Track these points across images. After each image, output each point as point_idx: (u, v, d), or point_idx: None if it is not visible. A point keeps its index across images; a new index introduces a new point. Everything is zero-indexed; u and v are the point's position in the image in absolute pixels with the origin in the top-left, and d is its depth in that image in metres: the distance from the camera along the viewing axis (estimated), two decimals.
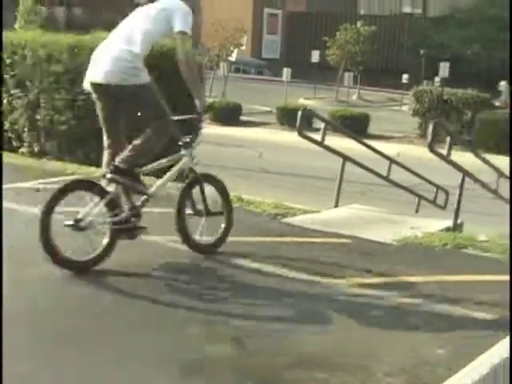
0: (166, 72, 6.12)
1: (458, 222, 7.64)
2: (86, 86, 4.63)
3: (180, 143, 4.75)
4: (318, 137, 8.27)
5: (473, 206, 12.21)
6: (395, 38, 45.77)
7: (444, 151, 7.06)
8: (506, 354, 3.70)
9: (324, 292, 4.78)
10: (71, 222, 4.31)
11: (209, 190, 4.87)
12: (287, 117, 21.06)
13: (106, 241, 4.49)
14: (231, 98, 24.21)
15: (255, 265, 5.20)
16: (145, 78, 4.45)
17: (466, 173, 7.33)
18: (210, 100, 21.17)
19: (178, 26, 4.48)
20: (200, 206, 4.89)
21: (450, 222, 7.55)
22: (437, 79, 28.85)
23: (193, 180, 4.84)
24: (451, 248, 6.25)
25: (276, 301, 4.54)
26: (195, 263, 5.02)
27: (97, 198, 4.38)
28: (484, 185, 7.84)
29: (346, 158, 8.05)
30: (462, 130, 22.27)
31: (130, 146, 4.51)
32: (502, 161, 19.29)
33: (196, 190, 4.84)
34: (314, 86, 30.61)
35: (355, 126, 21.29)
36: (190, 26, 4.40)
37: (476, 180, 7.56)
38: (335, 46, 33.00)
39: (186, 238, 4.95)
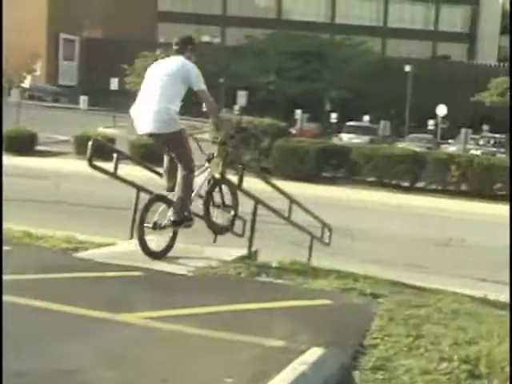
0: None
1: (253, 249, 7.89)
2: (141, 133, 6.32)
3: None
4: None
5: (274, 232, 12.89)
6: (197, 66, 47.04)
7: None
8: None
9: (115, 328, 4.66)
10: (151, 225, 6.29)
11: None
12: (85, 146, 20.55)
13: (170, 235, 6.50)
14: (26, 127, 23.22)
15: (42, 304, 4.95)
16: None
17: (257, 200, 7.62)
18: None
19: (196, 86, 6.24)
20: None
21: (245, 250, 7.76)
22: (236, 107, 29.99)
23: (214, 183, 6.78)
24: (245, 276, 6.43)
25: (64, 340, 4.34)
26: None
27: (166, 207, 6.34)
28: (276, 211, 8.21)
29: (139, 189, 7.99)
30: (259, 157, 23.29)
31: (176, 199, 6.38)
32: (297, 187, 20.70)
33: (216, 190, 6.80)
34: (113, 114, 30.26)
35: (157, 154, 21.42)
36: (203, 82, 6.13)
37: (268, 207, 7.89)
38: (134, 73, 32.98)
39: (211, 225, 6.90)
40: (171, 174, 6.46)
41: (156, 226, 6.33)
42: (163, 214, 6.47)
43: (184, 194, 6.25)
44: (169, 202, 6.41)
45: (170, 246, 6.57)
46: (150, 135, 6.24)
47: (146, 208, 6.20)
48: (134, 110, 6.24)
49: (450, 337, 5.11)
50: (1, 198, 6.58)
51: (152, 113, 6.05)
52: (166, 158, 6.59)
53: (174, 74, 6.11)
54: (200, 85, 6.16)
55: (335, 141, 36.44)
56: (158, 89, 6.05)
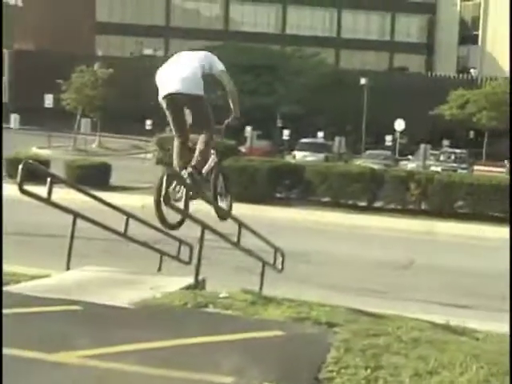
0: None
1: (200, 278, 7.87)
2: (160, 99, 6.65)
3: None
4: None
5: (223, 259, 12.88)
6: (136, 81, 46.62)
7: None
8: None
9: (48, 369, 4.58)
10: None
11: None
12: (17, 169, 20.23)
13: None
14: None
15: None
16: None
17: (204, 225, 7.61)
18: None
19: (220, 67, 7.01)
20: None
21: (192, 279, 7.74)
22: None
23: (218, 171, 7.34)
24: (191, 307, 6.42)
25: None
26: None
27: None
28: (223, 236, 8.21)
29: (76, 215, 7.90)
30: (207, 177, 23.24)
31: (197, 153, 6.83)
32: (248, 209, 20.71)
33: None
34: (48, 134, 29.89)
35: (96, 176, 21.20)
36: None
37: (215, 232, 7.89)
38: (71, 89, 32.64)
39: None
40: (183, 153, 6.91)
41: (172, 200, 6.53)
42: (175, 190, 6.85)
43: (205, 156, 6.87)
44: (182, 180, 6.80)
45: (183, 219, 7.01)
46: (177, 95, 6.54)
47: (169, 184, 6.39)
48: (159, 76, 6.71)
49: (411, 367, 5.17)
50: (1, 191, 6.81)
51: (181, 76, 6.56)
52: (176, 141, 6.93)
53: (199, 56, 6.87)
54: (222, 66, 6.98)
55: (288, 159, 36.74)
56: (185, 61, 6.72)
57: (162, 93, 6.62)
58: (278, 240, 10.85)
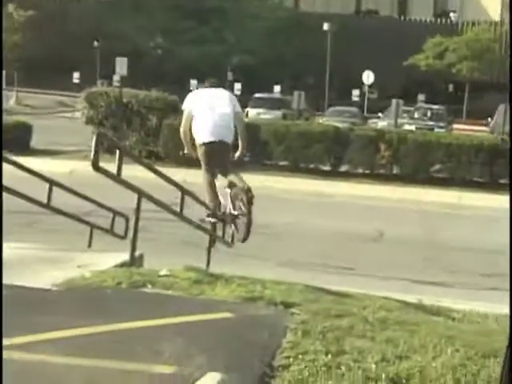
0: None
1: (137, 254, 7.86)
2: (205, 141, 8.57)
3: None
4: None
5: (164, 231, 12.87)
6: (62, 25, 45.48)
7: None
8: None
9: None
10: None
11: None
12: None
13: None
14: None
15: None
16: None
17: (141, 193, 7.57)
18: None
19: (240, 110, 9.22)
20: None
21: (127, 255, 7.73)
22: (116, 78, 29.54)
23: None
24: (126, 287, 6.43)
25: None
26: None
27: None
28: (164, 205, 8.18)
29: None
30: (147, 139, 23.14)
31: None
32: (194, 176, 20.58)
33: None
34: None
35: (14, 138, 20.84)
36: None
37: (154, 200, 7.85)
38: None
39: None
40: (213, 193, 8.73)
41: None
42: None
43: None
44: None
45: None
46: (218, 143, 8.59)
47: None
48: (200, 113, 8.66)
49: (377, 351, 5.28)
50: (1, 195, 7.15)
51: (222, 125, 8.67)
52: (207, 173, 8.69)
53: (229, 99, 8.91)
54: (240, 108, 9.17)
55: None
56: (222, 107, 8.74)
57: (203, 138, 8.59)
58: None
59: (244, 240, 8.44)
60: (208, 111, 8.65)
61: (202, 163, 8.66)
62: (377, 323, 6.14)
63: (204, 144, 8.55)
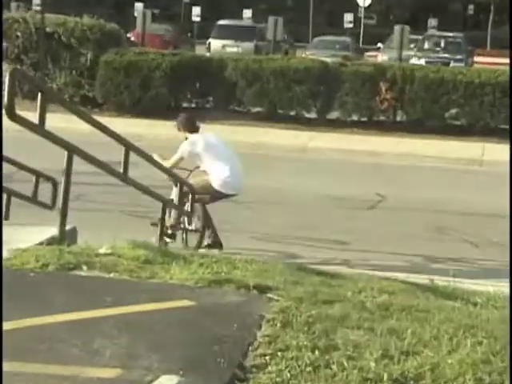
0: None
1: (69, 227, 7.83)
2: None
3: None
4: None
5: (104, 199, 12.84)
6: None
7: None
8: None
9: None
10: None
11: None
12: None
13: None
14: None
15: None
16: None
17: (71, 149, 7.51)
18: None
19: None
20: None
21: (56, 230, 7.71)
22: (36, 1, 29.07)
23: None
24: (55, 270, 6.42)
25: None
26: None
27: None
28: (104, 165, 8.13)
29: None
30: (79, 80, 22.97)
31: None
32: (142, 127, 20.59)
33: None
34: None
35: None
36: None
37: (90, 159, 7.79)
38: None
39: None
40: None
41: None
42: None
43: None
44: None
45: None
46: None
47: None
48: (226, 170, 10.99)
49: (378, 346, 5.32)
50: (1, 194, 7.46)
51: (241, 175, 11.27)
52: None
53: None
54: None
55: (200, 51, 36.43)
56: (233, 155, 11.42)
57: (225, 189, 10.99)
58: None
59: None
60: (230, 162, 11.10)
61: (201, 196, 10.86)
62: (377, 310, 6.19)
63: (220, 193, 10.98)
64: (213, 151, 11.04)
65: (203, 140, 11.09)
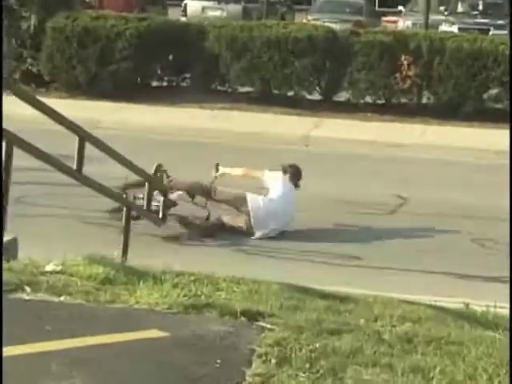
0: None
1: (8, 238, 7.81)
2: None
3: None
4: None
5: (58, 202, 12.81)
6: None
7: None
8: None
9: None
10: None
11: None
12: None
13: None
14: None
15: None
16: None
17: (12, 140, 7.50)
18: None
19: None
20: None
21: None
22: None
23: None
24: None
25: None
26: None
27: None
28: (52, 161, 8.11)
29: None
30: (21, 52, 22.91)
31: None
32: (99, 110, 20.50)
33: None
34: None
35: None
36: None
37: (35, 153, 7.78)
38: None
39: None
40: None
41: None
42: None
43: None
44: None
45: None
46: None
47: None
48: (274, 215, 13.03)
49: None
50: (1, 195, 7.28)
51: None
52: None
53: None
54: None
55: (174, 15, 36.37)
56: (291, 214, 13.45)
57: (261, 228, 12.73)
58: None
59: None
60: (283, 215, 12.98)
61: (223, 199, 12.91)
62: (397, 343, 6.20)
63: (248, 219, 12.70)
64: (282, 199, 13.11)
65: (284, 189, 13.24)
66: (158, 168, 11.70)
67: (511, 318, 4.93)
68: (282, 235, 12.66)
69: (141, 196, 10.89)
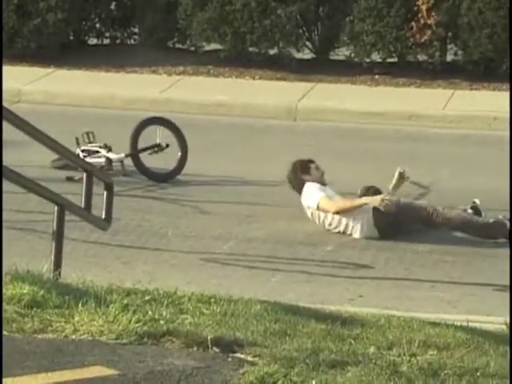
0: None
1: None
2: None
3: None
4: None
5: None
6: None
7: None
8: None
9: None
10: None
11: None
12: None
13: None
14: None
15: None
16: None
17: None
18: None
19: None
20: None
21: None
22: None
23: None
24: None
25: None
26: None
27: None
28: None
29: None
30: None
31: None
32: (16, 77, 20.49)
33: None
34: None
35: None
36: None
37: None
38: None
39: None
40: None
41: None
42: None
43: None
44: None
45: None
46: None
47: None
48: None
49: None
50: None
51: None
52: None
53: None
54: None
55: None
56: None
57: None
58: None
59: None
60: None
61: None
62: (419, 376, 6.25)
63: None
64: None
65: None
66: None
67: (511, 329, 4.93)
68: (267, 237, 12.67)
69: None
